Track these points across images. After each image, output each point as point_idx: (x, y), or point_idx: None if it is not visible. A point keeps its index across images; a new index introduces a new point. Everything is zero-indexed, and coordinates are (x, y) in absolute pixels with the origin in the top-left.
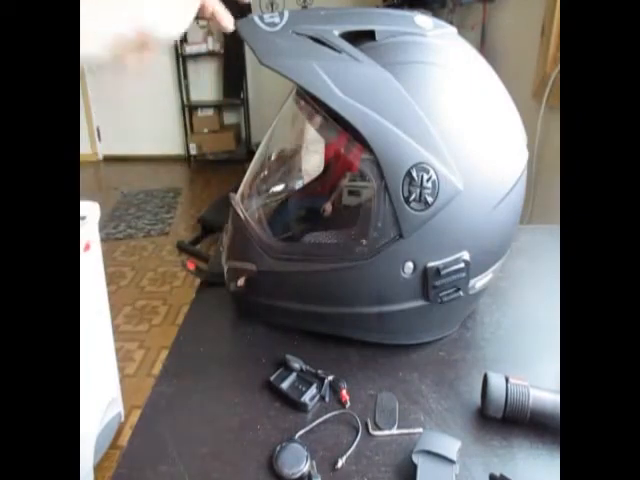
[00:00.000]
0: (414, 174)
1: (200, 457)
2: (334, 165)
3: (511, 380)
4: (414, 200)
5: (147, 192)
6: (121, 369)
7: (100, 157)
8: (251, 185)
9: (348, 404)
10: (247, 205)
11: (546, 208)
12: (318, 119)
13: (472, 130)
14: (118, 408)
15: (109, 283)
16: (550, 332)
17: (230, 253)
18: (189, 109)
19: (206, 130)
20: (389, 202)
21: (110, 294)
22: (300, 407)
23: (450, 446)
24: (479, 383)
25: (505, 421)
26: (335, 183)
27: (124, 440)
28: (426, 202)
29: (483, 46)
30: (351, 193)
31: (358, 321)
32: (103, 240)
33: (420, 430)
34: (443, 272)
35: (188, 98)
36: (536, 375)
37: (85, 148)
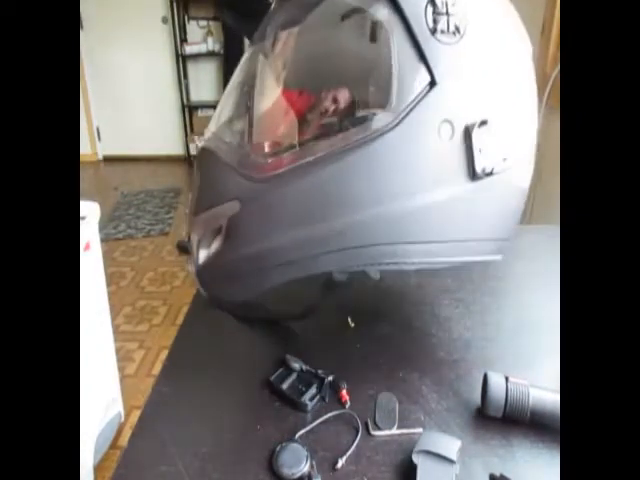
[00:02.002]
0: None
1: (200, 457)
2: None
3: (511, 380)
4: (442, 31)
5: (147, 192)
6: (121, 369)
7: (100, 157)
8: (221, 114)
9: (348, 404)
10: (219, 134)
11: (546, 208)
12: None
13: None
14: (118, 408)
15: (109, 283)
16: (550, 332)
17: (199, 205)
18: (189, 109)
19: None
20: (411, 39)
21: (110, 294)
22: (300, 407)
23: (450, 446)
24: (479, 383)
25: (505, 421)
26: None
27: (124, 440)
28: (457, 30)
29: None
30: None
31: (381, 232)
32: (103, 240)
33: (420, 430)
34: (492, 128)
35: (188, 98)
36: (536, 375)
37: (85, 148)
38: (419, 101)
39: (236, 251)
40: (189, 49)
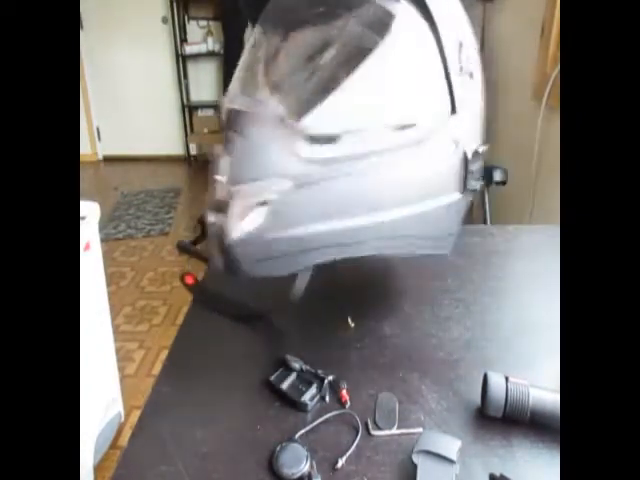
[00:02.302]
0: (462, 46)
1: (200, 457)
2: None
3: (511, 380)
4: (464, 72)
5: (147, 192)
6: (121, 369)
7: (100, 157)
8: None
9: (348, 404)
10: (262, 98)
11: (546, 208)
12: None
13: None
14: (118, 408)
15: (109, 283)
16: (550, 332)
17: (241, 174)
18: (189, 109)
19: (206, 130)
20: (445, 73)
21: (110, 294)
22: (300, 407)
23: (450, 446)
24: (479, 383)
25: (505, 421)
26: None
27: (124, 440)
28: (471, 74)
29: (483, 46)
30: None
31: (395, 228)
32: (103, 240)
33: (420, 430)
34: (480, 157)
35: (188, 98)
36: (536, 375)
37: (85, 148)
38: (443, 123)
39: (283, 230)
40: (189, 49)
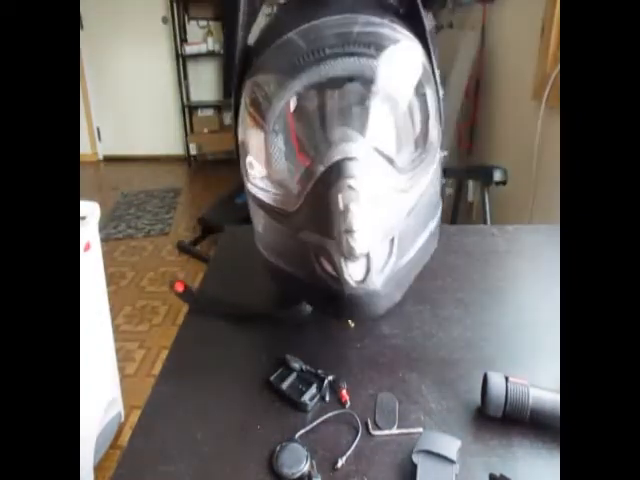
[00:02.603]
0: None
1: (200, 457)
2: None
3: (511, 379)
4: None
5: (147, 192)
6: (121, 369)
7: (100, 157)
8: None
9: (348, 404)
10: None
11: (546, 208)
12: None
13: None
14: (118, 408)
15: (109, 283)
16: (550, 332)
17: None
18: (189, 109)
19: (206, 130)
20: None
21: (110, 294)
22: (300, 407)
23: (450, 446)
24: (479, 383)
25: (505, 420)
26: None
27: (124, 440)
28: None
29: (483, 46)
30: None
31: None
32: (103, 240)
33: (420, 430)
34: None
35: (188, 98)
36: (536, 375)
37: (85, 148)
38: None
39: (411, 264)
40: (189, 49)
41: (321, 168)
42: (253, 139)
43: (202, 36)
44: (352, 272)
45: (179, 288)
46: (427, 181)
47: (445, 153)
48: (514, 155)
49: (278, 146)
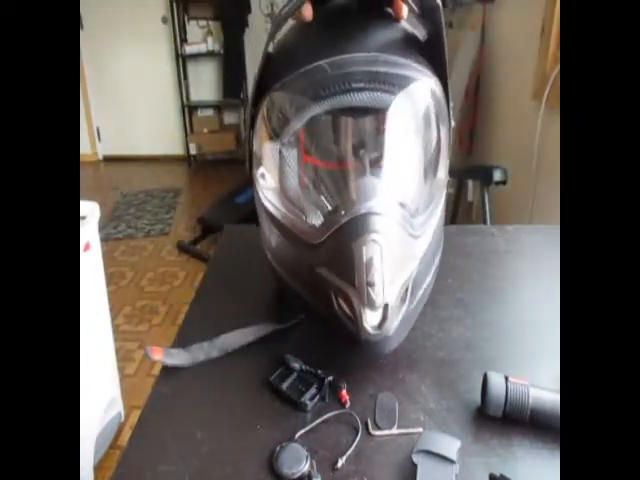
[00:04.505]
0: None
1: (200, 457)
2: None
3: (511, 379)
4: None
5: (147, 192)
6: (121, 369)
7: (100, 157)
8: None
9: (348, 404)
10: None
11: (546, 208)
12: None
13: None
14: (118, 408)
15: (109, 283)
16: (550, 332)
17: (393, 271)
18: (189, 109)
19: (206, 130)
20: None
21: (110, 294)
22: (300, 407)
23: (450, 446)
24: (479, 383)
25: (505, 420)
26: None
27: (124, 440)
28: None
29: (483, 46)
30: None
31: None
32: (103, 240)
33: (420, 430)
34: None
35: (188, 98)
36: (536, 375)
37: (85, 148)
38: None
39: (418, 304)
40: (189, 49)
41: (346, 219)
42: (268, 152)
43: (202, 36)
44: (369, 319)
45: (155, 353)
46: (437, 221)
47: (451, 190)
48: (514, 155)
49: (295, 168)
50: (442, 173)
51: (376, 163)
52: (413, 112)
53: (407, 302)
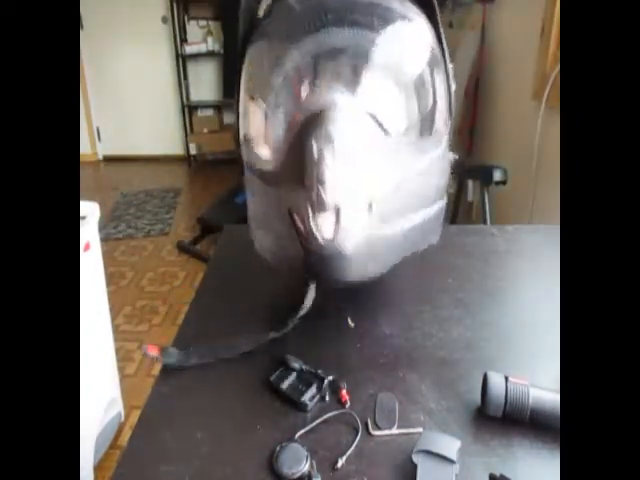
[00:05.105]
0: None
1: (200, 457)
2: None
3: (511, 379)
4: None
5: (147, 192)
6: (121, 369)
7: (100, 157)
8: None
9: (348, 404)
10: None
11: (546, 208)
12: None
13: None
14: (118, 408)
15: (109, 283)
16: (550, 332)
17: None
18: (189, 109)
19: (206, 130)
20: (447, 80)
21: (110, 294)
22: (300, 407)
23: (450, 446)
24: (479, 383)
25: (505, 420)
26: None
27: (124, 440)
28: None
29: (483, 46)
30: None
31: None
32: (103, 240)
33: (420, 430)
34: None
35: (188, 98)
36: (536, 375)
37: (85, 148)
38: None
39: (389, 228)
40: (189, 49)
41: (302, 117)
42: (251, 107)
43: (202, 36)
44: (322, 227)
45: (152, 351)
46: (425, 165)
47: (456, 156)
48: (514, 155)
49: (275, 113)
50: (440, 125)
51: (345, 76)
52: (395, 47)
53: (370, 223)
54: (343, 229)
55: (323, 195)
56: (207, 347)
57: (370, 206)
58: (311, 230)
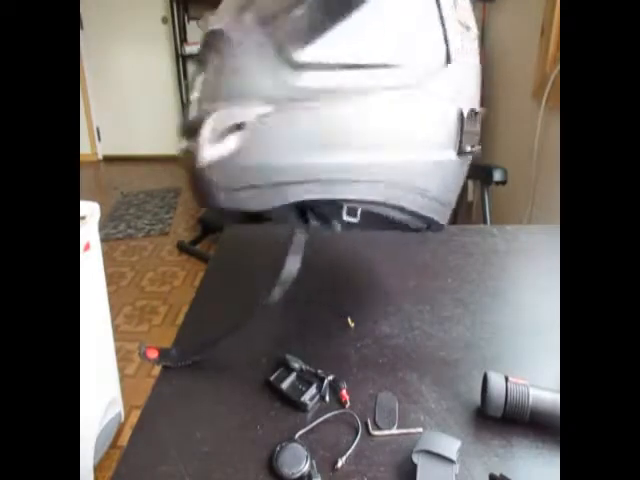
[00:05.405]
0: None
1: (200, 457)
2: None
3: (511, 380)
4: (459, 21)
5: (147, 192)
6: (121, 369)
7: (100, 157)
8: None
9: (348, 404)
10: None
11: (546, 208)
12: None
13: None
14: (118, 408)
15: (109, 283)
16: (550, 332)
17: (219, 92)
18: None
19: None
20: (440, 17)
21: (110, 294)
22: (300, 407)
23: (450, 446)
24: (479, 383)
25: (505, 420)
26: None
27: (124, 440)
28: (467, 27)
29: (483, 46)
30: None
31: (387, 172)
32: (103, 240)
33: (420, 430)
34: (477, 116)
35: (188, 98)
36: (536, 375)
37: (85, 148)
38: (438, 73)
39: (260, 157)
40: (189, 49)
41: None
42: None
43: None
44: (189, 142)
45: (151, 354)
46: (345, 112)
47: (478, 148)
48: (514, 155)
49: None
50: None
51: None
52: None
53: (239, 145)
54: (202, 140)
55: (191, 108)
56: (202, 340)
57: (240, 127)
58: (180, 136)
